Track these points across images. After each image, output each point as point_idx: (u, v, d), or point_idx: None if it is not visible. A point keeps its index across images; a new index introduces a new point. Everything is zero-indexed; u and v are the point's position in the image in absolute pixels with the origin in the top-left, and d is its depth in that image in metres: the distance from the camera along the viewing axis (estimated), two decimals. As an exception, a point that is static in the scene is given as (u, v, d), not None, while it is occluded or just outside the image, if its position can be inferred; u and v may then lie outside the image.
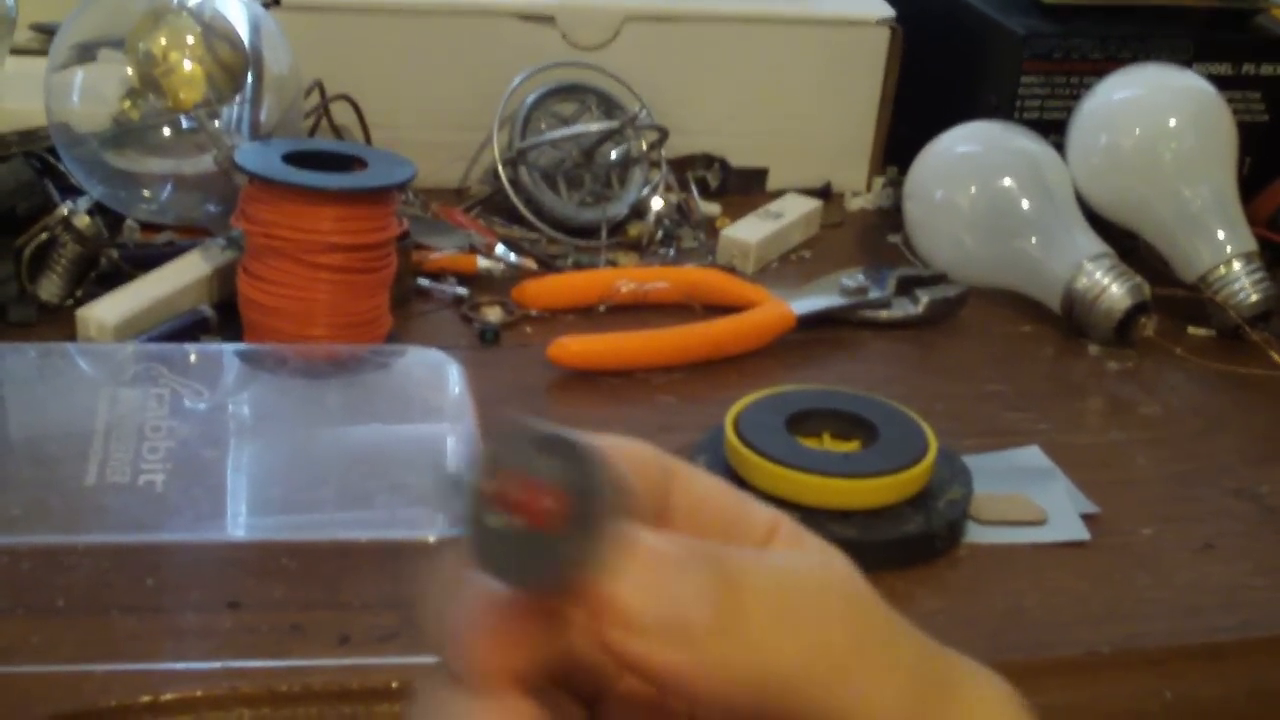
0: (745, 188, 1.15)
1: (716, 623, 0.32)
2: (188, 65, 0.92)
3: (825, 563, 0.35)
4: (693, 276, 0.98)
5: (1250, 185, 1.07)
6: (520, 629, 0.32)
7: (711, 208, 1.10)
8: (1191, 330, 0.99)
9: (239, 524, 0.65)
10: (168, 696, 0.59)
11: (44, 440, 0.69)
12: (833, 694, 0.33)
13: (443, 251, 0.97)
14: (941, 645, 0.36)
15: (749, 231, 1.04)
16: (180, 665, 0.60)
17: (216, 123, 0.92)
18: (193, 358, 0.78)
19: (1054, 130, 1.07)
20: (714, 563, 0.32)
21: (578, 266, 1.00)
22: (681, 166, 1.12)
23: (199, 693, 0.60)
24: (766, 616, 0.32)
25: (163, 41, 0.92)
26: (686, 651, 0.32)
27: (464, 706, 0.32)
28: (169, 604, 0.62)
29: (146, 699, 0.59)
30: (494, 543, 0.29)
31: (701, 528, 0.36)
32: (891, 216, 1.11)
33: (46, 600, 0.61)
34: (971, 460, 0.78)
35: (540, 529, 0.29)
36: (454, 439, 0.72)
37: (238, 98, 0.94)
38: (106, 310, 0.84)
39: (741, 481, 0.73)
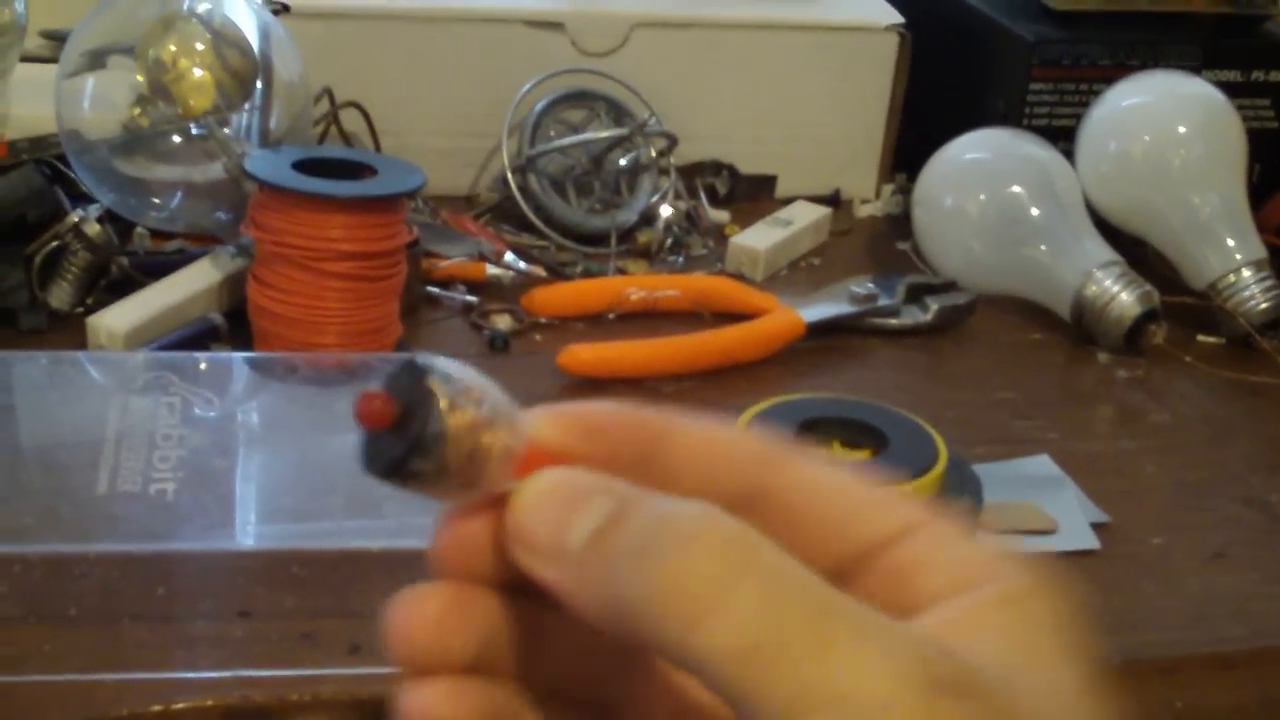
0: (754, 195, 1.15)
1: (588, 550, 0.34)
2: (198, 72, 0.92)
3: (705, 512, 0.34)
4: (702, 284, 0.98)
5: (1260, 192, 1.07)
6: (435, 612, 0.36)
7: (720, 215, 1.10)
8: (1201, 338, 0.99)
9: (249, 532, 0.65)
10: (179, 705, 0.59)
11: (55, 448, 0.69)
12: (688, 635, 0.33)
13: (452, 259, 0.97)
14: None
15: (758, 239, 1.04)
16: (191, 674, 0.60)
17: (226, 130, 0.92)
18: (203, 366, 0.78)
19: (1063, 137, 1.07)
20: (609, 496, 0.35)
21: (587, 274, 1.00)
22: (690, 173, 1.12)
23: (210, 701, 0.60)
24: (632, 549, 0.34)
25: (173, 48, 0.92)
26: (561, 570, 0.35)
27: (404, 696, 0.36)
28: (180, 612, 0.63)
29: (158, 708, 0.59)
30: (361, 448, 0.35)
31: (794, 518, 0.37)
32: (900, 223, 1.11)
33: (58, 609, 0.61)
34: (981, 469, 0.78)
35: (374, 428, 0.35)
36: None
37: (247, 105, 0.94)
38: (117, 318, 0.84)
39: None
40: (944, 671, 0.32)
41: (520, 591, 0.38)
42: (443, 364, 0.36)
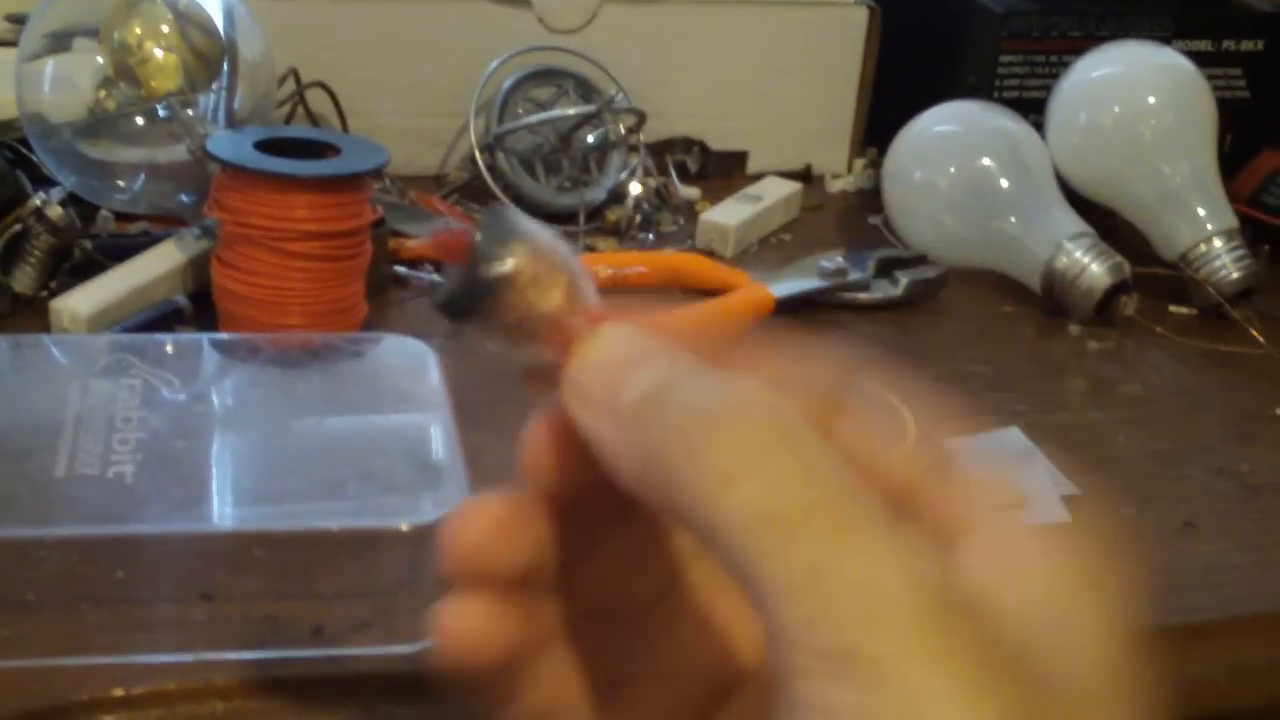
0: (725, 171, 1.14)
1: (639, 406, 0.36)
2: (161, 54, 0.92)
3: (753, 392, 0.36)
4: (672, 261, 0.97)
5: (1231, 162, 1.07)
6: (493, 521, 0.38)
7: (691, 191, 1.10)
8: (1173, 309, 0.99)
9: (211, 514, 0.64)
10: (140, 689, 0.58)
11: (13, 432, 0.69)
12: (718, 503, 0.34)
13: (420, 238, 0.97)
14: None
15: (728, 215, 1.04)
16: (152, 658, 0.60)
17: (190, 111, 0.91)
18: (167, 348, 0.77)
19: (1033, 109, 1.06)
20: (667, 360, 0.37)
21: (556, 252, 0.99)
22: (660, 150, 1.11)
23: (171, 685, 0.59)
24: (680, 409, 0.35)
25: (137, 30, 0.92)
26: (610, 424, 0.36)
27: (442, 611, 0.38)
28: (140, 596, 0.62)
29: (119, 692, 0.58)
30: (439, 283, 0.39)
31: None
32: (872, 198, 1.11)
33: (15, 594, 0.61)
34: (951, 442, 0.78)
35: (445, 260, 0.38)
36: (435, 428, 0.72)
37: (213, 86, 0.93)
38: (80, 301, 0.83)
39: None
40: (949, 599, 0.32)
41: (573, 509, 0.40)
42: (528, 222, 0.38)
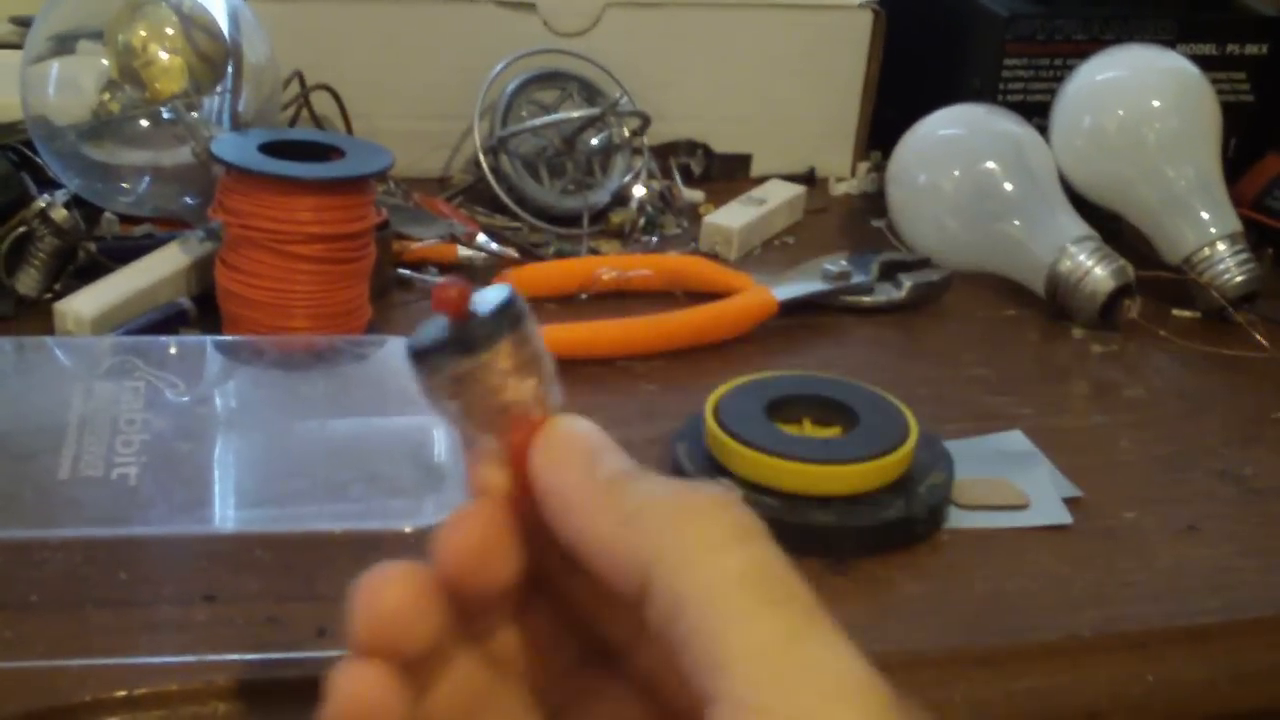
0: (729, 174, 1.14)
1: (617, 480, 0.37)
2: (166, 56, 0.92)
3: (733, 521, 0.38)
4: (675, 264, 0.97)
5: (1235, 166, 1.07)
6: (393, 599, 0.38)
7: (694, 194, 1.10)
8: (1176, 312, 0.99)
9: (214, 516, 0.65)
10: (142, 691, 0.59)
11: (17, 434, 0.69)
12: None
13: (424, 241, 0.97)
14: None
15: (732, 218, 1.04)
16: (155, 659, 0.60)
17: (195, 114, 0.91)
18: (171, 350, 0.78)
19: (1037, 112, 1.06)
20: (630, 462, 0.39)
21: (560, 255, 1.00)
22: (664, 153, 1.11)
23: (174, 686, 0.59)
24: (656, 496, 0.37)
25: (142, 33, 0.92)
26: (584, 492, 0.37)
27: (339, 674, 0.39)
28: (143, 598, 0.62)
29: (121, 693, 0.58)
30: (420, 329, 0.38)
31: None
32: (876, 201, 1.11)
33: (19, 595, 0.61)
34: (953, 445, 0.78)
35: (442, 309, 0.38)
36: (438, 431, 0.72)
37: (218, 88, 0.93)
38: (84, 303, 0.84)
39: (722, 468, 0.73)
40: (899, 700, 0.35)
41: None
42: (524, 312, 0.39)
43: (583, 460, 0.38)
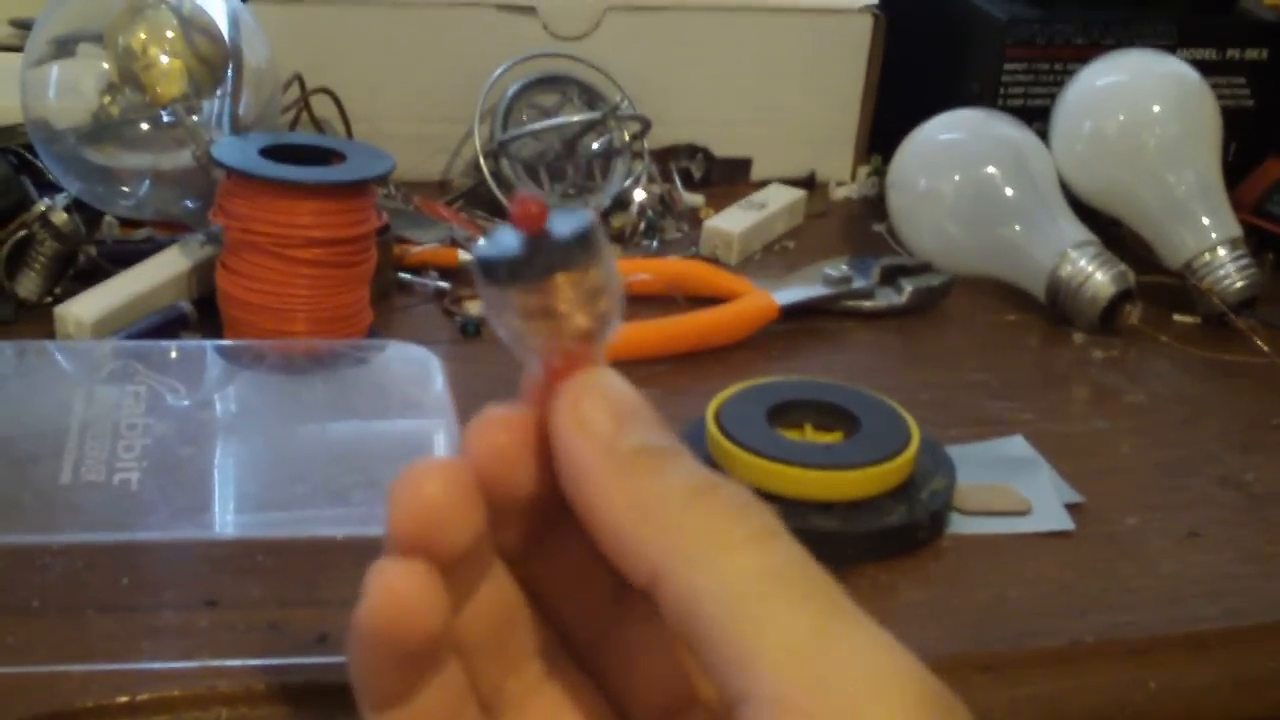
0: (729, 178, 1.14)
1: (638, 456, 0.36)
2: (166, 60, 0.92)
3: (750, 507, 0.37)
4: (676, 268, 0.97)
5: (1235, 171, 1.07)
6: (446, 489, 0.36)
7: (695, 198, 1.10)
8: (1176, 317, 0.99)
9: (215, 521, 0.64)
10: (144, 696, 0.59)
11: (18, 439, 0.69)
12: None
13: (424, 245, 0.97)
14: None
15: (732, 222, 1.04)
16: (157, 664, 0.60)
17: (195, 117, 0.91)
18: (171, 354, 0.77)
19: (1038, 117, 1.06)
20: (668, 432, 0.37)
21: (560, 258, 0.99)
22: (664, 157, 1.11)
23: (176, 692, 0.59)
24: (677, 482, 0.36)
25: (142, 36, 0.91)
26: (602, 462, 0.36)
27: (376, 572, 0.37)
28: (145, 603, 0.62)
29: (123, 699, 0.58)
30: (491, 236, 0.37)
31: None
32: (876, 206, 1.11)
33: (21, 600, 0.61)
34: (955, 450, 0.78)
35: (518, 224, 0.36)
36: (439, 435, 0.72)
37: (217, 92, 0.93)
38: (85, 307, 0.83)
39: (723, 474, 0.73)
40: (937, 689, 0.34)
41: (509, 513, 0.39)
42: (604, 239, 0.38)
43: (605, 427, 0.36)
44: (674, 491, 0.36)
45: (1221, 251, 0.97)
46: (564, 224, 0.37)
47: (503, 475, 0.38)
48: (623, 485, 0.36)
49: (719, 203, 1.08)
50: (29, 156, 0.95)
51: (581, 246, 0.37)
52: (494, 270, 0.37)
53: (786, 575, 0.34)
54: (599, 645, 0.42)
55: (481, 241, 0.38)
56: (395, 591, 0.36)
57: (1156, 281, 0.99)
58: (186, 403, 0.73)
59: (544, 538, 0.40)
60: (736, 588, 0.34)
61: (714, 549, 0.35)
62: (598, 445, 0.36)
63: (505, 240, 0.37)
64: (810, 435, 0.76)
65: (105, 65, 0.91)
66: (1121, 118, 1.02)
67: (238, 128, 0.93)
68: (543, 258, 0.37)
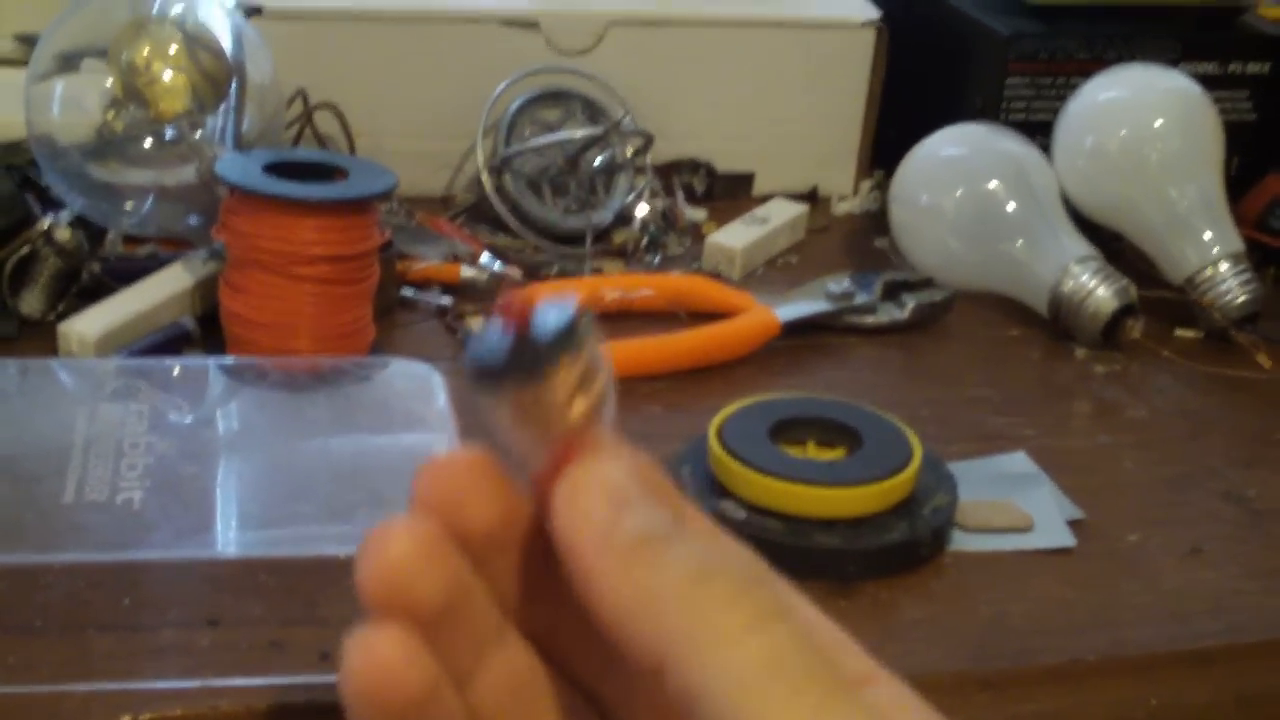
0: (731, 193, 1.14)
1: (635, 548, 0.36)
2: (170, 75, 0.92)
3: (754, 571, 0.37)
4: (678, 284, 0.97)
5: (1238, 185, 1.07)
6: (412, 549, 0.37)
7: (697, 213, 1.10)
8: (1179, 332, 0.99)
9: (218, 540, 0.65)
10: (146, 716, 0.59)
11: (22, 458, 0.69)
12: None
13: (427, 261, 0.97)
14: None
15: (735, 237, 1.04)
16: (159, 684, 0.60)
17: (198, 133, 0.91)
18: (174, 372, 0.78)
19: (1040, 132, 1.06)
20: (666, 511, 0.37)
21: (563, 274, 1.00)
22: (667, 172, 1.12)
23: (178, 711, 0.59)
24: (680, 569, 0.35)
25: (145, 51, 0.92)
26: (598, 557, 0.36)
27: (354, 641, 0.36)
28: (147, 622, 0.62)
29: (126, 718, 0.59)
30: (478, 339, 0.37)
31: None
32: (878, 220, 1.11)
33: (23, 620, 0.61)
34: (957, 467, 0.78)
35: (511, 325, 0.36)
36: (441, 450, 0.72)
37: (221, 108, 0.93)
38: (88, 324, 0.84)
39: (725, 491, 0.73)
40: None
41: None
42: (591, 321, 0.38)
43: (603, 518, 0.36)
44: (673, 582, 0.36)
45: (1224, 266, 0.97)
46: (551, 315, 0.37)
47: (454, 515, 0.38)
48: (623, 578, 0.36)
49: (721, 218, 1.08)
50: (31, 174, 0.95)
51: (571, 334, 0.37)
52: (489, 373, 0.37)
53: (787, 662, 0.34)
54: (626, 705, 0.42)
55: (471, 344, 0.38)
56: (374, 655, 0.36)
57: (1158, 296, 0.99)
58: (189, 420, 0.73)
59: (544, 585, 0.40)
60: (738, 681, 0.34)
61: (715, 642, 0.35)
62: (596, 538, 0.36)
63: (495, 340, 0.37)
64: (812, 452, 0.76)
65: (109, 81, 0.91)
66: (1124, 132, 1.02)
67: (241, 144, 0.93)
68: (536, 352, 0.37)
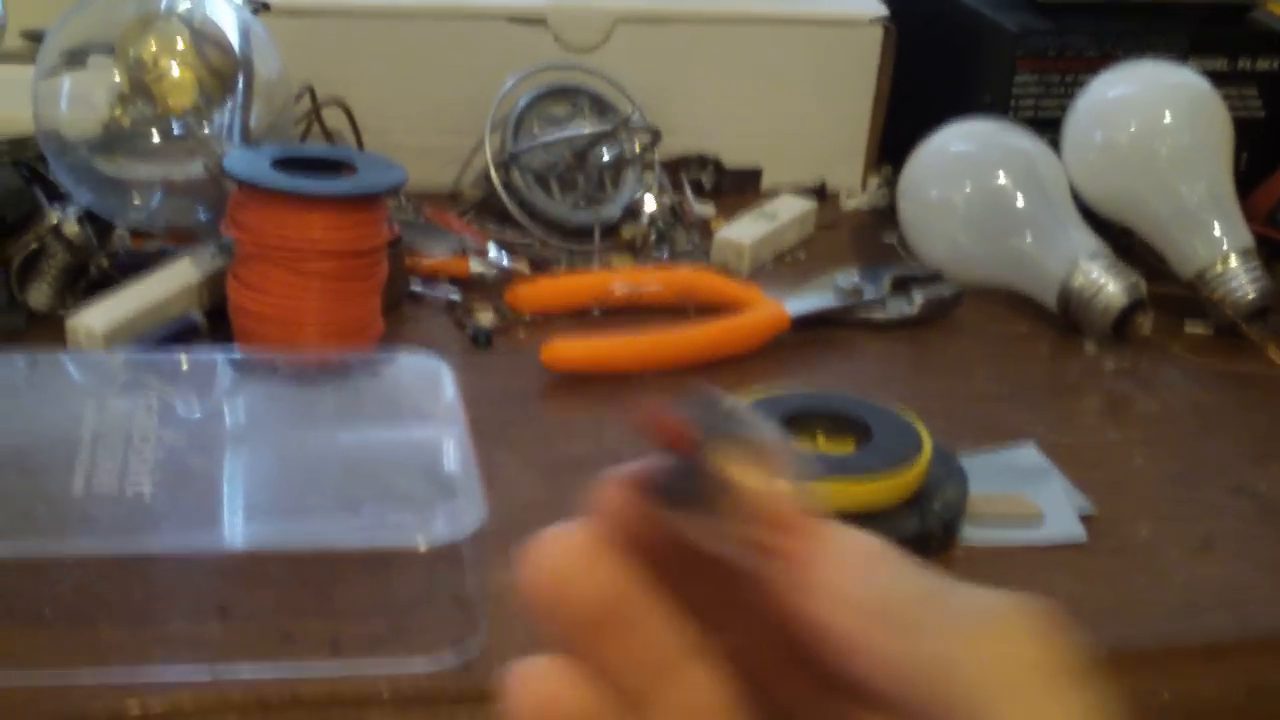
0: (739, 188, 1.14)
1: (900, 606, 0.33)
2: (177, 71, 0.92)
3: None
4: (687, 278, 0.97)
5: (1247, 181, 1.07)
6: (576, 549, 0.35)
7: (706, 209, 1.10)
8: (1188, 328, 0.99)
9: (227, 532, 0.65)
10: (156, 705, 0.59)
11: (31, 450, 0.69)
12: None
13: (436, 256, 0.97)
14: None
15: (743, 232, 1.04)
16: (169, 673, 0.60)
17: (206, 129, 0.91)
18: (183, 365, 0.77)
19: (1049, 128, 1.06)
20: (919, 571, 0.34)
21: (571, 269, 1.00)
22: (675, 167, 1.11)
23: (188, 701, 0.59)
24: (945, 623, 0.33)
25: (153, 47, 0.92)
26: (857, 619, 0.33)
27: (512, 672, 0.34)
28: (157, 613, 0.62)
29: (135, 708, 0.59)
30: (659, 473, 0.35)
31: None
32: (887, 216, 1.11)
33: (33, 610, 0.61)
34: (967, 460, 0.78)
35: (676, 450, 0.34)
36: (450, 444, 0.72)
37: (229, 103, 0.93)
38: (96, 318, 0.84)
39: (735, 484, 0.72)
40: None
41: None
42: (740, 403, 0.35)
43: (858, 593, 0.34)
44: (951, 644, 0.34)
45: (1233, 262, 0.97)
46: (710, 415, 0.35)
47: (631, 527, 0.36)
48: (899, 646, 0.33)
49: (730, 213, 1.08)
50: (40, 168, 0.94)
51: (739, 427, 0.35)
52: (684, 503, 0.35)
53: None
54: None
55: (649, 480, 0.36)
56: (531, 685, 0.35)
57: (1168, 292, 0.98)
58: (198, 414, 0.73)
59: (748, 615, 0.39)
60: None
61: (977, 705, 0.33)
62: (852, 611, 0.34)
63: (669, 469, 0.35)
64: (822, 446, 0.76)
65: (117, 77, 0.91)
66: (1133, 128, 1.01)
67: (249, 139, 0.93)
68: (716, 463, 0.35)
